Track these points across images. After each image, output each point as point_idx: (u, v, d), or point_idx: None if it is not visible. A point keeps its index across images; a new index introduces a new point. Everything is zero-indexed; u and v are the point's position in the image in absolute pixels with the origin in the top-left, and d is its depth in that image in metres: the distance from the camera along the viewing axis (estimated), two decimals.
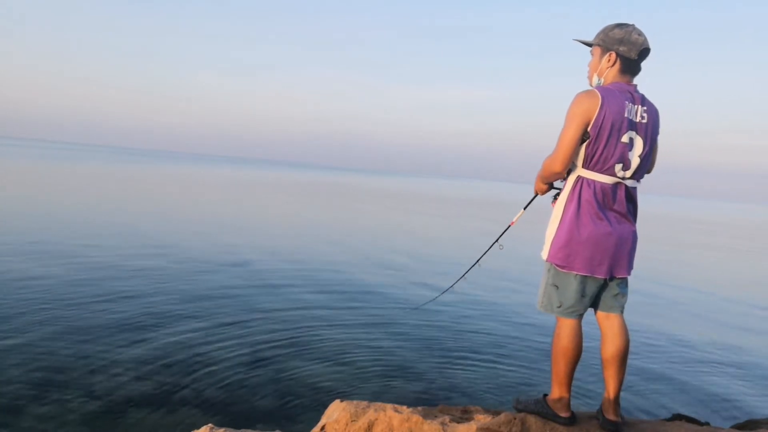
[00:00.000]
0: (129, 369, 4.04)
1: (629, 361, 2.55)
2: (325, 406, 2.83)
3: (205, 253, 9.07)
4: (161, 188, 24.73)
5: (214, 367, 4.19)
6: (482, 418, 2.58)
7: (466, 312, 6.60)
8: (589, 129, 2.28)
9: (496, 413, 2.66)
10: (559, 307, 2.45)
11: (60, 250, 8.12)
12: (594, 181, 2.34)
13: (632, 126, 2.31)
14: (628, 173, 2.35)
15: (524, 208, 3.01)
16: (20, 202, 13.93)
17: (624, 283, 2.50)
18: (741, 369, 5.38)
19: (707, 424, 2.87)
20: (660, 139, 2.48)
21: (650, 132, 2.36)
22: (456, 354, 5.01)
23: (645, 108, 2.35)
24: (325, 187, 41.43)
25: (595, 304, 2.53)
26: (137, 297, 5.92)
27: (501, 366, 4.80)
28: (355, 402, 2.66)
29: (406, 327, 5.74)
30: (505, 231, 3.27)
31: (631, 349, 2.52)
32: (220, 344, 4.70)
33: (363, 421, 2.50)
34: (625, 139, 2.29)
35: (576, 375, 2.57)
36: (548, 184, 2.59)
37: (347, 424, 2.50)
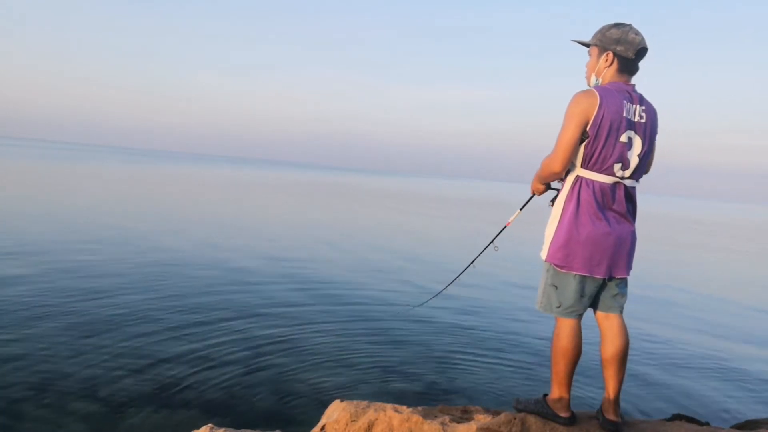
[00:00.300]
0: (129, 369, 4.04)
1: (629, 362, 2.55)
2: (325, 406, 2.83)
3: (205, 253, 9.07)
4: (161, 188, 24.73)
5: (214, 367, 4.20)
6: (482, 418, 2.58)
7: (466, 312, 6.60)
8: (587, 128, 2.28)
9: (496, 413, 2.66)
10: (559, 307, 2.45)
11: (60, 249, 8.12)
12: (593, 181, 2.34)
13: (631, 125, 2.31)
14: (627, 173, 2.35)
15: (520, 209, 3.00)
16: (20, 202, 13.93)
17: (623, 283, 2.50)
18: (741, 369, 5.38)
19: (707, 424, 2.87)
20: (659, 139, 2.48)
21: (649, 131, 2.36)
22: (456, 354, 5.01)
23: (643, 107, 2.35)
24: (325, 188, 41.44)
25: (594, 305, 2.53)
26: (137, 297, 5.92)
27: (501, 366, 4.80)
28: (355, 402, 2.66)
29: (406, 327, 5.74)
30: (500, 232, 3.24)
31: (630, 349, 2.52)
32: (220, 344, 4.70)
33: (363, 421, 2.50)
34: (623, 138, 2.30)
35: (576, 375, 2.57)
36: (546, 184, 2.60)
37: (347, 424, 2.50)
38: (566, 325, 2.45)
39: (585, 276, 2.39)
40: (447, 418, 2.54)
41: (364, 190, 42.03)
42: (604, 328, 2.50)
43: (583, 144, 2.31)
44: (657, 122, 2.41)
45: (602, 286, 2.47)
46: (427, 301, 4.59)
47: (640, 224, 2.82)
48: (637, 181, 2.42)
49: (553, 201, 2.54)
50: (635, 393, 4.40)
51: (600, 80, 2.42)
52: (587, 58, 2.50)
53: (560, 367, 2.47)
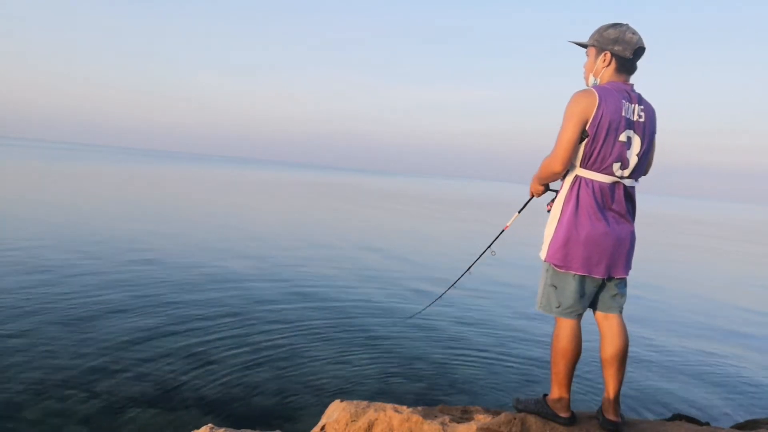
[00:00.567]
0: (129, 369, 4.04)
1: (629, 361, 2.55)
2: (325, 406, 2.83)
3: (205, 253, 9.07)
4: (161, 188, 24.73)
5: (214, 367, 4.20)
6: (482, 418, 2.58)
7: (466, 312, 6.60)
8: (587, 128, 2.28)
9: (496, 413, 2.66)
10: (558, 307, 2.45)
11: (59, 249, 8.12)
12: (592, 181, 2.34)
13: (630, 125, 2.31)
14: (627, 172, 2.35)
15: (519, 212, 2.97)
16: (19, 202, 13.93)
17: (622, 283, 2.49)
18: (741, 369, 5.38)
19: (707, 424, 2.87)
20: (659, 138, 2.48)
21: (648, 131, 2.36)
22: (456, 354, 5.01)
23: (642, 107, 2.35)
24: (324, 188, 41.44)
25: (593, 305, 2.53)
26: (137, 296, 5.92)
27: (501, 366, 4.80)
28: (355, 402, 2.66)
29: (407, 327, 5.74)
30: (498, 235, 3.20)
31: (630, 349, 2.52)
32: (220, 344, 4.70)
33: (363, 421, 2.50)
34: (623, 138, 2.30)
35: (576, 375, 2.57)
36: (545, 185, 2.59)
37: (347, 424, 2.50)
38: (566, 325, 2.45)
39: (584, 276, 2.39)
40: (447, 418, 2.54)
41: (364, 191, 42.03)
42: (604, 329, 2.50)
43: (583, 143, 2.31)
44: (655, 121, 2.41)
45: (601, 286, 2.47)
46: (424, 309, 4.60)
47: (640, 224, 2.82)
48: (636, 180, 2.42)
49: (550, 205, 2.53)
50: (635, 393, 4.40)
51: (598, 80, 2.42)
52: (585, 58, 2.51)
53: (560, 367, 2.47)
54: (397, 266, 9.58)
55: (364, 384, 4.17)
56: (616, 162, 2.31)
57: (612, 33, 2.35)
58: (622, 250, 2.39)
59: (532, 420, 2.48)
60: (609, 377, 2.47)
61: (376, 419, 2.50)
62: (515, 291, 8.26)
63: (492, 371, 4.66)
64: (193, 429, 2.54)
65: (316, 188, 39.59)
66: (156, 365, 4.15)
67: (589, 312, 2.55)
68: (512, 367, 4.80)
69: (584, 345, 2.49)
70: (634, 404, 4.17)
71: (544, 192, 2.63)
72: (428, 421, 2.47)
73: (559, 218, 2.41)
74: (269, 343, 4.84)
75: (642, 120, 2.34)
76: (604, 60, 2.38)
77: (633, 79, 2.42)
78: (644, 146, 2.35)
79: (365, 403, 2.66)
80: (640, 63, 2.41)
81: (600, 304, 2.51)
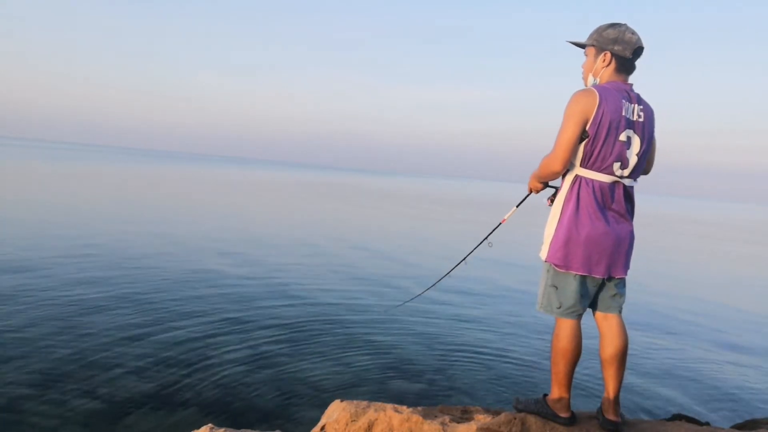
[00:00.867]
0: (129, 369, 4.04)
1: (629, 361, 2.55)
2: (325, 406, 2.83)
3: (204, 253, 9.07)
4: (161, 188, 24.73)
5: (214, 367, 4.20)
6: (482, 418, 2.58)
7: (466, 312, 6.60)
8: (587, 128, 2.28)
9: (496, 413, 2.66)
10: (559, 307, 2.44)
11: (59, 249, 8.12)
12: (592, 180, 2.34)
13: (630, 125, 2.32)
14: (626, 172, 2.35)
15: (517, 206, 2.98)
16: (19, 202, 13.93)
17: (622, 283, 2.50)
18: (741, 369, 5.38)
19: (707, 424, 2.87)
20: (658, 138, 2.48)
21: (647, 131, 2.37)
22: (456, 354, 5.01)
23: (641, 107, 2.36)
24: (324, 188, 41.44)
25: (593, 305, 2.53)
26: (137, 296, 5.92)
27: (501, 366, 4.80)
28: (355, 402, 2.66)
29: (407, 327, 5.74)
30: (495, 229, 3.21)
31: (630, 349, 2.52)
32: (220, 344, 4.70)
33: (363, 421, 2.50)
34: (622, 137, 2.30)
35: (576, 375, 2.57)
36: (543, 183, 2.59)
37: (347, 424, 2.50)
38: (566, 325, 2.45)
39: (585, 276, 2.40)
40: (447, 418, 2.54)
41: (364, 191, 42.03)
42: (604, 329, 2.50)
43: (583, 143, 2.31)
44: (654, 121, 2.41)
45: (601, 286, 2.48)
46: (419, 294, 4.55)
47: (639, 224, 2.82)
48: (635, 180, 2.43)
49: (550, 200, 2.53)
50: (635, 393, 4.40)
51: (598, 80, 2.42)
52: (584, 58, 2.50)
53: (560, 367, 2.47)
54: (398, 266, 9.58)
55: (364, 384, 4.17)
56: (616, 162, 2.31)
57: (611, 33, 2.35)
58: (622, 250, 2.40)
59: (532, 420, 2.48)
60: (609, 377, 2.47)
61: (376, 419, 2.50)
62: (515, 291, 8.25)
63: (492, 371, 4.66)
64: (193, 429, 2.54)
65: (316, 188, 39.59)
66: (156, 365, 4.14)
67: (588, 312, 2.55)
68: (512, 367, 4.80)
69: (584, 345, 2.49)
70: (634, 404, 4.17)
71: (542, 189, 2.63)
72: (428, 421, 2.47)
73: (560, 218, 2.41)
74: (269, 343, 4.84)
75: (641, 120, 2.35)
76: (604, 60, 2.38)
77: (632, 79, 2.42)
78: (644, 146, 2.36)
79: (365, 403, 2.66)
80: (639, 63, 2.41)
81: (599, 304, 2.51)
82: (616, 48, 2.34)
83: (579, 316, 2.47)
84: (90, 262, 7.47)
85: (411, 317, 6.10)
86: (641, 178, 2.55)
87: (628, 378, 4.00)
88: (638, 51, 2.36)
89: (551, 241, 2.43)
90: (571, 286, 2.41)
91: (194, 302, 5.93)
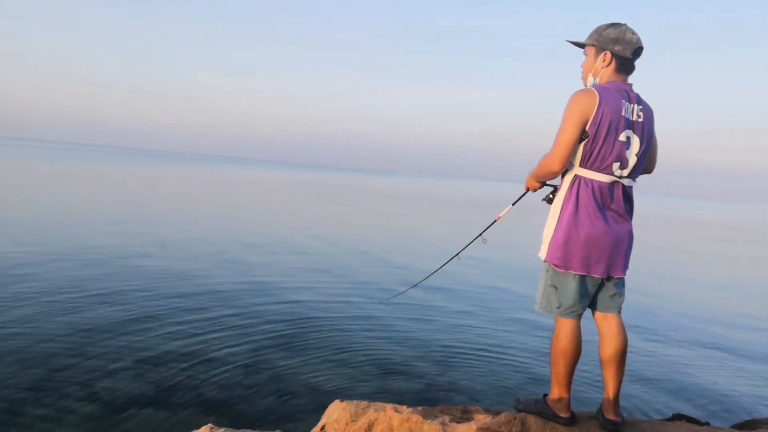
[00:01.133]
0: (129, 369, 4.04)
1: (629, 361, 2.55)
2: (325, 406, 2.82)
3: (204, 253, 9.06)
4: (160, 189, 24.73)
5: (214, 367, 4.20)
6: (482, 418, 2.58)
7: (466, 312, 6.60)
8: (587, 128, 2.28)
9: (496, 413, 2.66)
10: (559, 307, 2.45)
11: (59, 249, 8.12)
12: (592, 180, 2.35)
13: (629, 125, 2.32)
14: (626, 172, 2.35)
15: (513, 204, 2.99)
16: (19, 202, 13.93)
17: (621, 283, 2.50)
18: (741, 369, 5.38)
19: (707, 424, 2.87)
20: (658, 138, 2.48)
21: (647, 131, 2.37)
22: (456, 353, 5.01)
23: (641, 107, 2.36)
24: (324, 188, 41.45)
25: (592, 305, 2.53)
26: (137, 296, 5.92)
27: (501, 366, 4.80)
28: (355, 402, 2.66)
29: (407, 326, 5.74)
30: (490, 225, 3.21)
31: (630, 349, 2.52)
32: (220, 344, 4.70)
33: (363, 421, 2.50)
34: (622, 137, 2.30)
35: (576, 375, 2.57)
36: (541, 182, 2.60)
37: (347, 424, 2.50)
38: (566, 325, 2.45)
39: (584, 276, 2.40)
40: (447, 418, 2.54)
41: (364, 191, 42.04)
42: (603, 329, 2.50)
43: (583, 143, 2.32)
44: (654, 121, 2.41)
45: (600, 286, 2.48)
46: (415, 285, 4.53)
47: (639, 224, 2.82)
48: (634, 180, 2.43)
49: (547, 200, 2.53)
50: (635, 393, 4.40)
51: (598, 80, 2.42)
52: (584, 58, 2.50)
53: (560, 367, 2.47)
54: (398, 266, 9.58)
55: (364, 384, 4.17)
56: (616, 162, 2.32)
57: (612, 33, 2.35)
58: (621, 250, 2.40)
59: (532, 420, 2.48)
60: (608, 377, 2.47)
61: (376, 419, 2.50)
62: (515, 290, 8.25)
63: (492, 371, 4.66)
64: (193, 429, 2.54)
65: (316, 188, 39.58)
66: (156, 365, 4.14)
67: (588, 312, 2.55)
68: (512, 366, 4.80)
69: (584, 345, 2.49)
70: (634, 404, 4.17)
71: (540, 188, 2.64)
72: (428, 421, 2.47)
73: (559, 218, 2.41)
74: (269, 343, 4.84)
75: (641, 120, 2.35)
76: (604, 60, 2.38)
77: (631, 79, 2.42)
78: (643, 146, 2.36)
79: (365, 403, 2.66)
80: (639, 63, 2.41)
81: (599, 304, 2.51)
82: (616, 48, 2.34)
83: (579, 316, 2.47)
84: (89, 262, 7.47)
85: (411, 317, 6.11)
86: (641, 178, 2.55)
87: (628, 378, 3.99)
88: (638, 51, 2.36)
89: (550, 241, 2.44)
90: (571, 286, 2.41)
91: (194, 302, 5.93)
